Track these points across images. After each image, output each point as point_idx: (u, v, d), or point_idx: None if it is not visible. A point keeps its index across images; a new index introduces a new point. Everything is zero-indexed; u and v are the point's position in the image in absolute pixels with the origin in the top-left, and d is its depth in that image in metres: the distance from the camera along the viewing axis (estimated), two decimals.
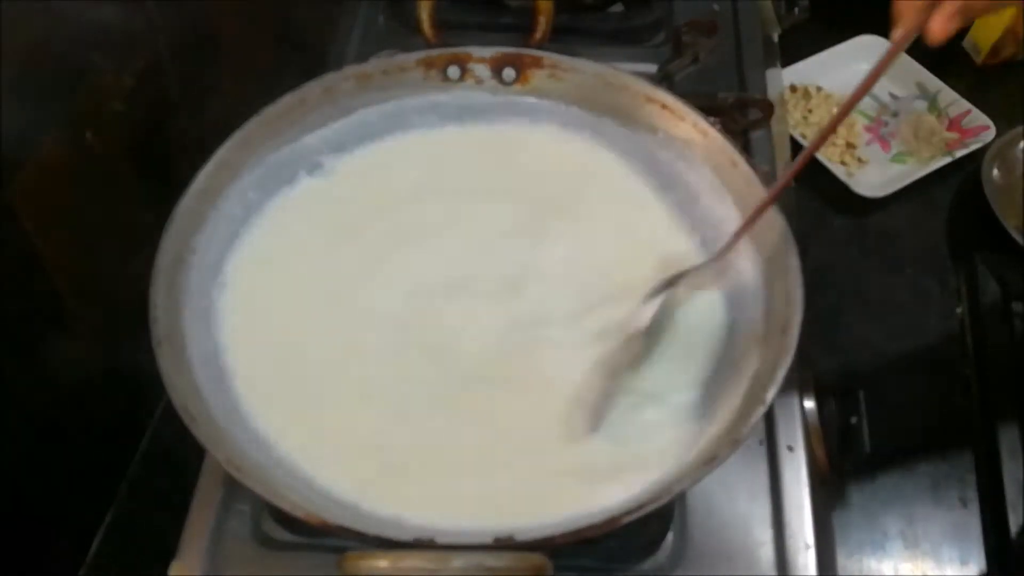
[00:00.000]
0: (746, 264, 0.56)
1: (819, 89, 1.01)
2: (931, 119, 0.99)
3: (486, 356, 0.55)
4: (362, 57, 0.78)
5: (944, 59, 1.03)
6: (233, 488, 0.57)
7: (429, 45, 0.68)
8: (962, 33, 1.06)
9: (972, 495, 0.74)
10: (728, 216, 0.58)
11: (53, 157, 0.56)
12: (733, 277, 0.56)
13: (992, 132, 0.96)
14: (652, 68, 0.78)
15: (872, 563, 0.71)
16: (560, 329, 0.56)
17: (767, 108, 0.74)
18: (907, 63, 1.02)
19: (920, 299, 0.86)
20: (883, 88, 1.03)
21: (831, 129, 0.54)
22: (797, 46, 1.00)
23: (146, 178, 0.67)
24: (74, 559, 0.65)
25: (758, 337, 0.52)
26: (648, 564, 0.55)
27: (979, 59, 1.05)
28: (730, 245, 0.55)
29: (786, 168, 0.52)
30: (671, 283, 0.55)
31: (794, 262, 0.51)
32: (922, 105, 1.01)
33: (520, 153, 0.64)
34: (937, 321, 0.85)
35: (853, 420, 0.61)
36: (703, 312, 0.56)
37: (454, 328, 0.56)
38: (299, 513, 0.44)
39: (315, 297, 0.58)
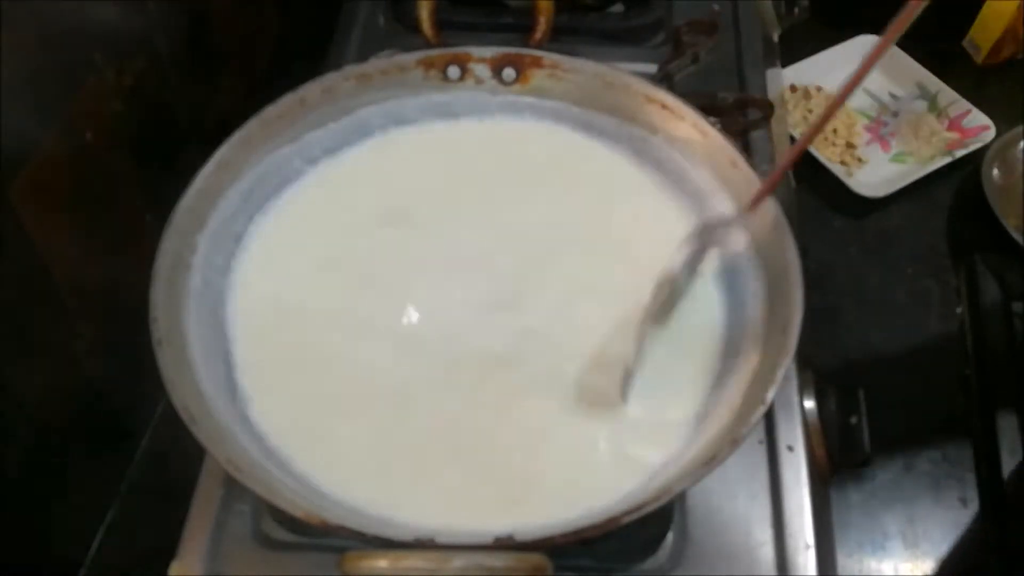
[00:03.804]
0: (746, 263, 0.56)
1: (819, 89, 1.01)
2: (931, 119, 0.99)
3: (493, 353, 0.55)
4: (362, 57, 0.78)
5: (944, 59, 1.03)
6: (233, 488, 0.57)
7: (429, 45, 0.68)
8: (962, 33, 1.06)
9: (972, 495, 0.74)
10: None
11: (53, 157, 0.56)
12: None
13: (992, 132, 0.96)
14: (652, 68, 0.78)
15: (872, 563, 0.71)
16: (572, 318, 0.56)
17: (767, 108, 0.74)
18: (907, 63, 1.02)
19: (920, 299, 0.87)
20: (883, 88, 1.03)
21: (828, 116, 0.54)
22: (797, 46, 1.00)
23: (146, 178, 0.67)
24: (74, 559, 0.65)
25: (758, 337, 0.52)
26: (648, 564, 0.55)
27: (979, 59, 1.05)
28: (758, 199, 0.53)
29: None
30: (704, 234, 0.54)
31: (794, 262, 0.51)
32: (922, 105, 1.01)
33: (521, 152, 0.64)
34: (937, 321, 0.85)
35: (853, 420, 0.61)
36: (702, 313, 0.56)
37: (460, 326, 0.56)
38: (299, 513, 0.44)
39: (316, 297, 0.58)
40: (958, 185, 0.94)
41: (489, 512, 0.48)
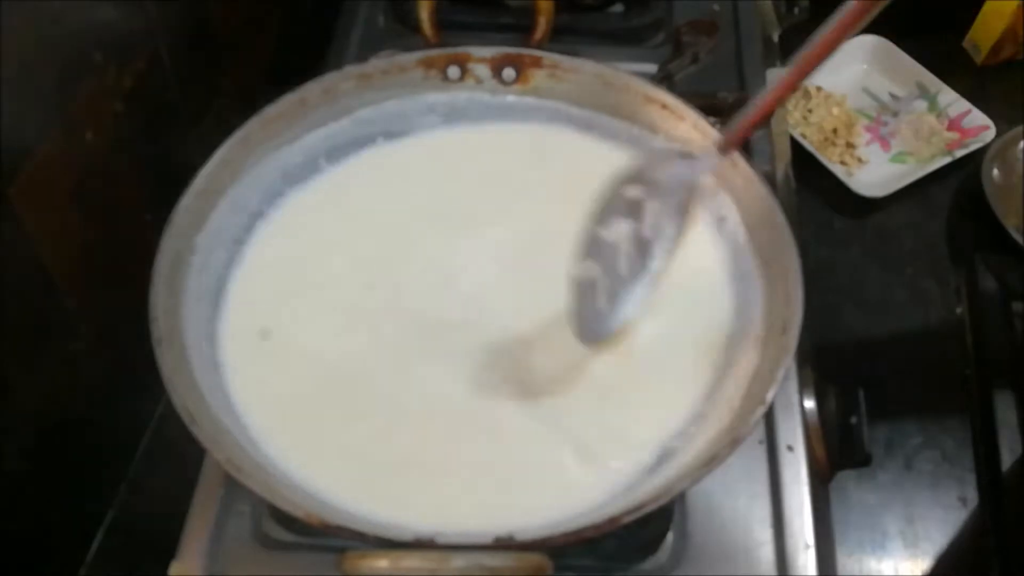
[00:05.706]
0: (746, 264, 0.56)
1: (819, 89, 1.01)
2: (931, 119, 0.99)
3: (491, 356, 0.55)
4: (362, 57, 0.78)
5: (944, 59, 1.03)
6: (233, 488, 0.57)
7: (429, 45, 0.68)
8: (962, 33, 1.06)
9: (972, 495, 0.74)
10: (728, 215, 0.58)
11: (53, 157, 0.56)
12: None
13: (992, 132, 0.96)
14: (652, 68, 0.78)
15: (872, 563, 0.71)
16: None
17: None
18: (907, 63, 1.02)
19: (920, 299, 0.87)
20: (883, 88, 1.03)
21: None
22: (797, 46, 0.99)
23: (146, 178, 0.67)
24: (74, 559, 0.65)
25: (758, 337, 0.52)
26: (648, 564, 0.55)
27: (979, 59, 1.05)
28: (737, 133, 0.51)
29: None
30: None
31: (794, 262, 0.51)
32: (922, 105, 1.01)
33: (520, 152, 0.64)
34: (937, 321, 0.85)
35: (853, 420, 0.61)
36: (710, 314, 0.56)
37: (458, 328, 0.56)
38: (299, 513, 0.44)
39: (314, 298, 0.58)
40: (958, 185, 0.94)
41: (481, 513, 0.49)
